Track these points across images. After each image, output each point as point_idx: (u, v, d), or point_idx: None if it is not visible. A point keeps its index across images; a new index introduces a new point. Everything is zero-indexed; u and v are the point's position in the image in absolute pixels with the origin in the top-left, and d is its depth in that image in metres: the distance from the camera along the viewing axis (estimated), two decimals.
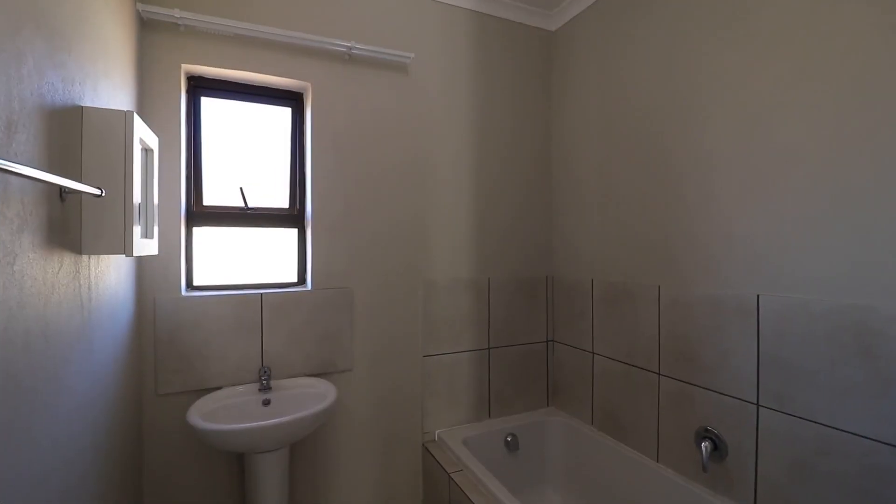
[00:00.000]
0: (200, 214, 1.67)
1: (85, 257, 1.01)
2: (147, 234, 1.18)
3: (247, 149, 1.78)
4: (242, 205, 1.75)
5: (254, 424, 1.29)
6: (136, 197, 1.04)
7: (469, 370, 2.00)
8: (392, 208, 1.86)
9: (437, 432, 1.91)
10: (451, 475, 1.64)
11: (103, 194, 0.91)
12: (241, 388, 1.57)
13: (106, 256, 1.15)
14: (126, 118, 1.01)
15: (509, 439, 1.94)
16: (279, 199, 1.82)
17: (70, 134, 0.94)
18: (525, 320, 2.13)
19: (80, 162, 0.97)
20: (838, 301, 1.15)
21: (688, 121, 1.53)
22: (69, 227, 0.93)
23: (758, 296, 1.32)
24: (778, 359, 1.28)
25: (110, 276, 1.18)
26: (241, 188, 1.76)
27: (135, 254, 1.03)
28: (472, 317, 2.00)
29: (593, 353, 1.94)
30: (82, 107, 0.98)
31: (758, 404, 1.33)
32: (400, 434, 1.87)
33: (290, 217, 1.80)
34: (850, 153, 1.13)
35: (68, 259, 0.92)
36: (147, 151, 1.21)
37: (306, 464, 1.72)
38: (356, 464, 1.80)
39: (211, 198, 1.71)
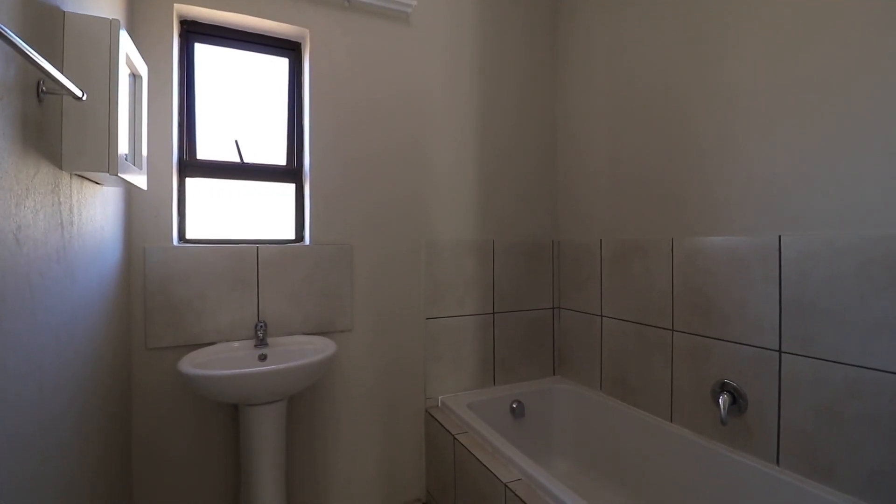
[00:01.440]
0: (194, 165, 1.60)
1: (66, 177, 0.94)
2: (135, 163, 1.11)
3: (243, 101, 1.71)
4: (238, 160, 1.68)
5: (248, 370, 1.22)
6: (122, 111, 0.97)
7: (473, 335, 1.93)
8: (393, 166, 1.80)
9: (440, 398, 1.84)
10: (455, 436, 1.57)
11: (84, 98, 0.84)
12: (236, 344, 1.50)
13: (91, 187, 1.08)
14: (112, 26, 0.94)
15: (515, 406, 1.87)
16: (276, 155, 1.74)
17: (50, 37, 0.87)
18: (530, 285, 2.06)
19: (62, 66, 0.90)
20: (867, 233, 1.09)
21: (704, 61, 1.47)
22: (47, 134, 0.86)
23: (779, 237, 1.26)
24: (801, 301, 1.21)
25: (95, 208, 1.11)
26: (236, 141, 1.69)
27: (119, 173, 0.96)
28: (476, 280, 1.93)
29: (602, 315, 1.87)
30: (64, 11, 0.91)
31: (780, 351, 1.26)
32: (402, 397, 1.80)
33: (287, 172, 1.73)
34: (879, 77, 1.07)
35: (46, 169, 0.85)
36: (135, 77, 1.14)
37: (303, 426, 1.64)
38: (356, 427, 1.73)
39: (205, 152, 1.64)
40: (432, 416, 1.76)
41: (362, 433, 1.74)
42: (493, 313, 1.97)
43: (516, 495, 1.22)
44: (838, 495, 1.12)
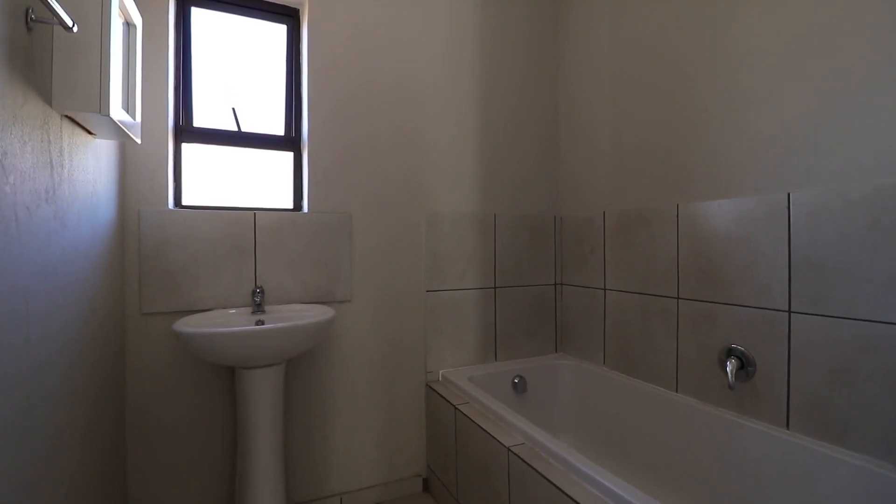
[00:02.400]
0: (190, 131, 1.57)
1: (56, 117, 0.91)
2: (129, 111, 1.08)
3: (240, 69, 1.69)
4: (235, 128, 1.65)
5: (245, 328, 1.19)
6: (115, 53, 0.94)
7: (475, 309, 1.89)
8: (393, 136, 1.77)
9: (440, 372, 1.81)
10: (456, 407, 1.53)
11: (75, 29, 0.81)
12: (232, 311, 1.47)
13: (83, 136, 1.05)
14: None
15: (517, 381, 1.84)
16: (274, 124, 1.71)
17: None
18: (532, 260, 2.03)
19: None
20: (880, 182, 1.06)
21: (711, 22, 1.44)
22: (37, 67, 0.83)
23: (788, 194, 1.23)
24: (811, 259, 1.18)
25: (87, 159, 1.08)
26: (233, 109, 1.66)
27: (111, 114, 0.93)
28: (477, 253, 1.90)
29: (605, 289, 1.84)
30: None
31: (789, 311, 1.23)
32: (402, 371, 1.77)
33: (285, 141, 1.70)
34: (889, 25, 1.05)
35: (35, 103, 0.82)
36: (129, 26, 1.11)
37: (301, 398, 1.61)
38: (354, 400, 1.69)
39: (202, 120, 1.61)
40: (433, 389, 1.73)
41: (361, 406, 1.70)
42: (495, 288, 1.94)
43: (519, 458, 1.19)
44: (853, 455, 1.09)
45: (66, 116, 0.96)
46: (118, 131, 1.06)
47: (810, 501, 1.13)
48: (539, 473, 1.11)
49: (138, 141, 1.17)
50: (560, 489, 1.04)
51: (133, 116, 1.12)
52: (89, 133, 1.08)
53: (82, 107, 0.90)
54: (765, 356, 1.29)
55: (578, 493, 1.01)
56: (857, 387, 1.10)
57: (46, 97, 0.87)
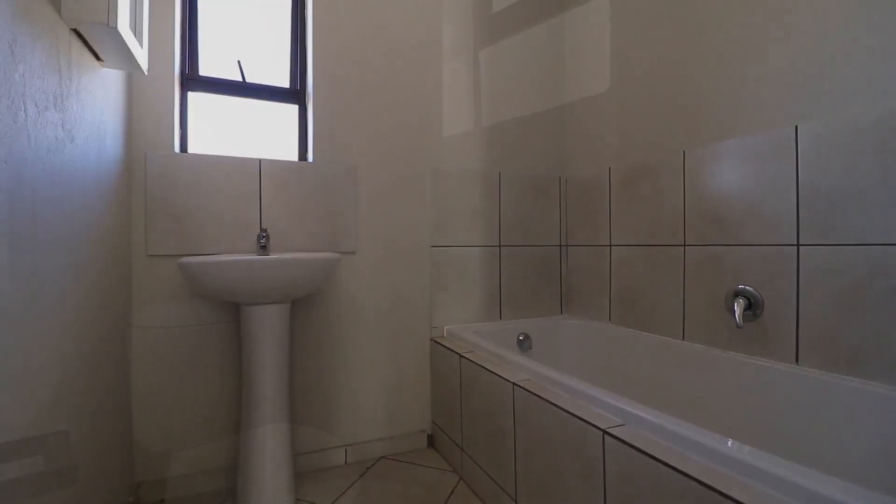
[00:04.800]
0: (196, 80, 1.58)
1: (65, 30, 0.92)
2: (136, 36, 1.09)
3: (246, 22, 1.70)
4: (240, 79, 1.66)
5: (250, 257, 1.19)
6: None
7: (480, 266, 1.89)
8: (398, 89, 1.77)
9: (445, 328, 1.80)
10: (462, 356, 1.52)
11: None
12: (237, 256, 1.47)
13: (91, 60, 1.05)
14: None
15: (521, 338, 1.83)
16: (280, 77, 1.72)
17: None
18: (537, 220, 2.02)
19: None
20: (889, 105, 1.05)
21: None
22: None
23: (796, 126, 1.22)
24: (820, 189, 1.17)
25: (95, 85, 1.09)
26: (238, 62, 1.67)
27: (119, 27, 0.93)
28: (482, 211, 1.90)
29: (610, 245, 1.83)
30: None
31: (798, 245, 1.22)
32: (407, 325, 1.76)
33: (291, 93, 1.71)
34: None
35: (45, 2, 0.83)
36: None
37: (306, 348, 1.61)
38: (360, 353, 1.69)
39: (208, 72, 1.62)
40: (438, 343, 1.72)
41: (366, 359, 1.70)
42: (500, 246, 1.93)
43: (525, 389, 1.18)
44: (865, 383, 1.08)
45: (75, 32, 0.96)
46: (126, 56, 1.07)
47: (824, 431, 1.12)
48: (546, 401, 1.10)
49: (145, 71, 1.18)
50: (568, 411, 1.03)
51: (140, 43, 1.12)
52: (98, 59, 1.09)
53: (90, 16, 0.91)
54: (773, 294, 1.27)
55: (585, 414, 1.00)
56: (868, 313, 1.08)
57: (56, 4, 0.88)
